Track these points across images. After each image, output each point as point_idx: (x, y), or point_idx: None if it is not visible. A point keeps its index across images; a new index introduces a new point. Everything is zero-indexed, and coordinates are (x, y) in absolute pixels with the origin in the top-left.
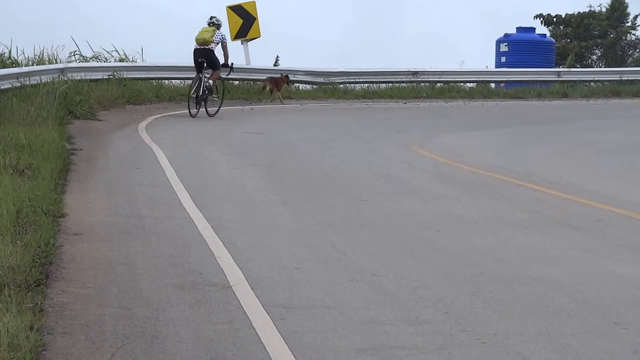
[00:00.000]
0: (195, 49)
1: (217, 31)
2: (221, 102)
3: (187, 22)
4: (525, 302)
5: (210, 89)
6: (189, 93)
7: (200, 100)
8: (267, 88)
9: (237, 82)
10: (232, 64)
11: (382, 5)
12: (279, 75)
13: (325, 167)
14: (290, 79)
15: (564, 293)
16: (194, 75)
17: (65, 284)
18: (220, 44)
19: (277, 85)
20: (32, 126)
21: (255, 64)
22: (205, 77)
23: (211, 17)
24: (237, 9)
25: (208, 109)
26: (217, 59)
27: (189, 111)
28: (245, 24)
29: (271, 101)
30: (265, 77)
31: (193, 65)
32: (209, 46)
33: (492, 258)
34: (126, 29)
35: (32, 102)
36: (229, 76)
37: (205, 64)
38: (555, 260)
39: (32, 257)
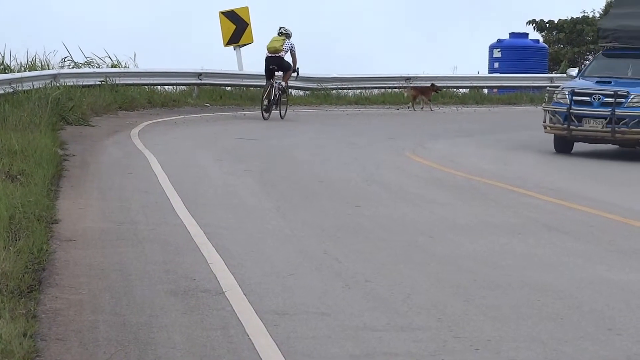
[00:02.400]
0: (267, 57)
1: (287, 40)
2: (287, 107)
3: (180, 28)
4: (519, 308)
5: (283, 90)
6: (262, 98)
7: (272, 104)
8: (411, 95)
9: (229, 88)
10: (298, 69)
11: (375, 11)
12: (429, 84)
13: (318, 173)
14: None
15: (557, 299)
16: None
17: (58, 290)
18: (289, 51)
19: (425, 94)
20: (25, 132)
21: (248, 70)
22: (275, 83)
23: (280, 27)
24: (229, 15)
25: (281, 112)
26: (288, 63)
27: (262, 115)
28: (238, 29)
29: (421, 109)
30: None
31: (186, 71)
32: (280, 54)
33: (485, 264)
34: (118, 34)
35: (25, 108)
36: (292, 83)
37: (276, 70)
38: (548, 266)
39: (25, 263)
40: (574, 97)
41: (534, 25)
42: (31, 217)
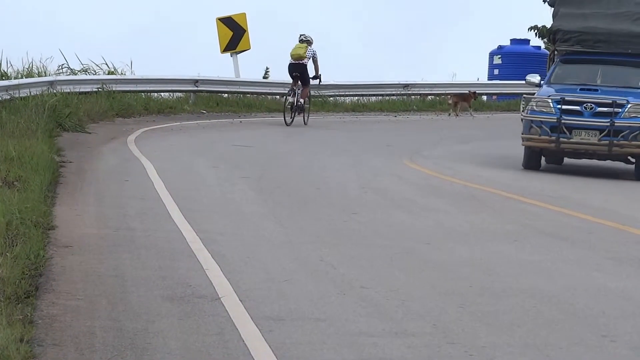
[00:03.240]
0: (290, 64)
1: (309, 47)
2: (308, 113)
3: (176, 35)
4: (514, 314)
5: (300, 107)
6: (284, 104)
7: (295, 110)
8: (453, 102)
9: (226, 94)
10: (320, 75)
11: (373, 18)
12: (467, 92)
13: (314, 179)
14: (282, 92)
15: (553, 305)
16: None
17: (55, 296)
18: (311, 58)
19: (466, 100)
20: (22, 139)
21: (245, 76)
22: (298, 90)
23: (300, 35)
24: (227, 21)
25: (305, 118)
26: (308, 75)
27: (284, 120)
28: (235, 36)
29: (456, 115)
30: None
31: (182, 78)
32: (303, 61)
33: (481, 270)
34: (115, 41)
35: (22, 115)
36: (311, 89)
37: (299, 78)
38: (544, 272)
39: (22, 269)
40: (564, 106)
41: (536, 31)
42: (28, 224)
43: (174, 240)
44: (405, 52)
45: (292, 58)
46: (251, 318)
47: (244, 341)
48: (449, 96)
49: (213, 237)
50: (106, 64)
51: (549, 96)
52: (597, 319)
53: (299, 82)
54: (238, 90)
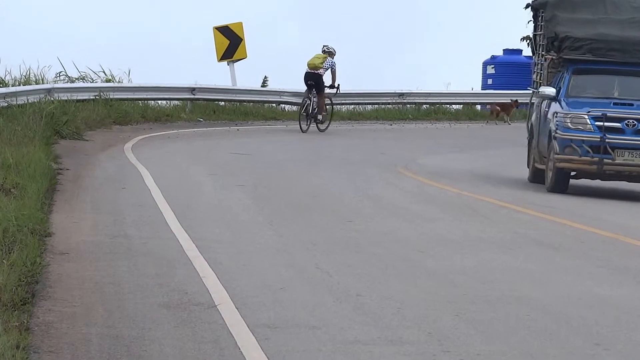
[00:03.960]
0: (306, 72)
1: (329, 58)
2: (330, 121)
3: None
4: (508, 322)
5: (315, 116)
6: (300, 111)
7: (310, 117)
8: (495, 111)
9: (222, 102)
10: (338, 85)
11: (368, 26)
12: (509, 100)
13: (310, 187)
14: (279, 100)
15: (547, 314)
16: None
17: (51, 303)
18: (329, 69)
19: (506, 110)
20: (19, 146)
21: (242, 85)
22: (314, 98)
23: (324, 46)
24: (223, 30)
25: (319, 125)
26: (323, 84)
27: (300, 127)
28: (232, 45)
29: (495, 123)
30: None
31: (179, 86)
32: (318, 71)
33: (475, 279)
34: (113, 49)
35: (19, 122)
36: (332, 96)
37: (314, 87)
38: (538, 281)
39: (19, 276)
40: (606, 124)
41: (528, 41)
42: (25, 231)
43: (171, 247)
44: (401, 62)
45: (308, 67)
46: (247, 326)
47: (239, 349)
48: (492, 105)
49: (209, 245)
50: (104, 71)
51: (588, 112)
52: (590, 327)
53: (314, 90)
54: (234, 98)
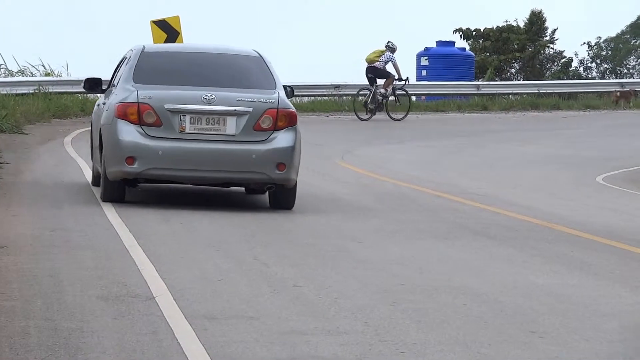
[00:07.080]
0: (366, 67)
1: (388, 52)
2: (407, 112)
3: (113, 37)
4: (444, 311)
5: (384, 95)
6: (363, 102)
7: (374, 107)
8: (616, 98)
9: None
10: (407, 77)
11: (304, 19)
12: (628, 89)
13: None
14: None
15: (482, 303)
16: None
17: None
18: (389, 62)
19: (627, 97)
20: None
21: None
22: (377, 90)
23: (388, 42)
24: (160, 24)
25: (391, 114)
26: (384, 72)
27: (357, 116)
28: (169, 38)
29: (619, 109)
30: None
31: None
32: (374, 64)
33: (412, 268)
34: (52, 43)
35: None
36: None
37: (374, 78)
38: (474, 270)
39: None
40: None
41: (460, 33)
42: None
43: (110, 239)
44: (335, 53)
45: (366, 62)
46: (185, 317)
47: (177, 340)
48: (614, 93)
49: (147, 236)
50: (43, 65)
51: None
52: (525, 315)
53: (377, 80)
54: None
